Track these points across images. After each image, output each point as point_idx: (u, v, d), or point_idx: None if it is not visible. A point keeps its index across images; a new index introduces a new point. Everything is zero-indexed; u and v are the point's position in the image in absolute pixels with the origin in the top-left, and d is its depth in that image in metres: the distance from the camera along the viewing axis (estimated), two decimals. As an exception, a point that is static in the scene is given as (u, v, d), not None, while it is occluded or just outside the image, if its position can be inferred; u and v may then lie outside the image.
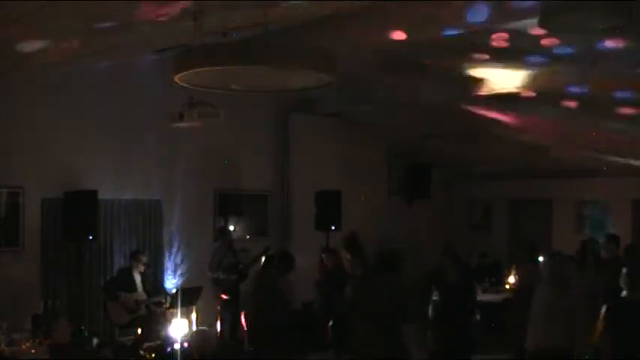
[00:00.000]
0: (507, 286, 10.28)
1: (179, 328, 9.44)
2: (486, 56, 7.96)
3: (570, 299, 6.11)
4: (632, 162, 10.46)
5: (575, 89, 8.49)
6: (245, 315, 8.10)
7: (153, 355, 8.86)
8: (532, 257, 8.31)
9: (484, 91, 9.06)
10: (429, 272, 7.97)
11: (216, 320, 9.89)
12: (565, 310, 6.01)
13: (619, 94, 8.38)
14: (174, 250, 10.38)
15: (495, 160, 12.17)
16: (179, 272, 10.40)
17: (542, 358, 6.04)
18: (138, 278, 9.17)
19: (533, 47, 7.35)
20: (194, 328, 9.66)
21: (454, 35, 7.23)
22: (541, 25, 5.17)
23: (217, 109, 7.64)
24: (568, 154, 10.86)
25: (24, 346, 7.42)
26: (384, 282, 6.39)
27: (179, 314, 9.56)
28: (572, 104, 8.98)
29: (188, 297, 9.49)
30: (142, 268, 9.20)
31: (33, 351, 7.37)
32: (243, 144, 11.09)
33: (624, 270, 5.76)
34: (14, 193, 8.90)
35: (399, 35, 7.43)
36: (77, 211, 8.67)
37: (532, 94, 8.85)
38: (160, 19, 6.10)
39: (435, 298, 7.31)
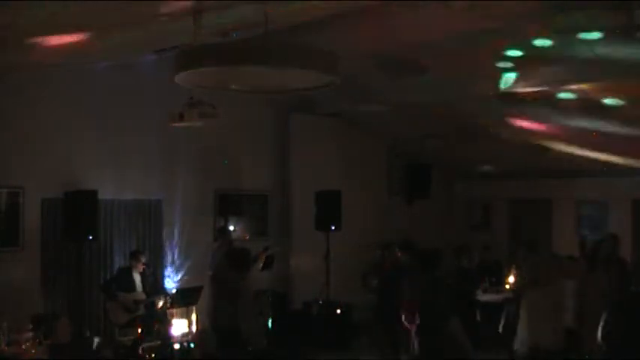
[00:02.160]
0: (507, 286, 10.28)
1: (179, 328, 9.46)
2: (487, 57, 7.96)
3: (556, 298, 6.14)
4: (632, 162, 10.46)
5: (574, 89, 8.49)
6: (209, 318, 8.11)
7: (153, 355, 8.86)
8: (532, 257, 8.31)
9: (485, 91, 9.06)
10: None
11: (216, 320, 9.89)
12: (551, 309, 6.03)
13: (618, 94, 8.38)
14: (174, 250, 10.38)
15: (495, 160, 12.17)
16: (179, 272, 10.40)
17: (532, 357, 6.08)
18: (137, 278, 9.18)
19: (533, 47, 7.36)
20: (194, 328, 9.66)
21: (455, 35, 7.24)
22: (541, 25, 5.18)
23: (217, 109, 7.63)
24: (568, 154, 10.86)
25: (24, 346, 7.41)
26: (429, 281, 6.51)
27: (179, 314, 9.58)
28: (572, 104, 8.98)
29: (188, 297, 9.50)
30: (141, 267, 9.21)
31: (33, 351, 7.37)
32: (243, 144, 11.09)
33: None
34: (14, 193, 8.90)
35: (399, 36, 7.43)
36: (77, 211, 8.68)
37: (532, 94, 8.84)
38: (160, 19, 6.10)
39: None
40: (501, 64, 8.21)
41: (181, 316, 9.58)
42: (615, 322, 6.03)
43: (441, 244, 12.79)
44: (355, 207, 11.46)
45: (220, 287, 7.82)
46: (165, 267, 10.29)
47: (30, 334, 7.71)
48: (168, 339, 9.17)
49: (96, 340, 8.67)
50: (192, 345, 9.40)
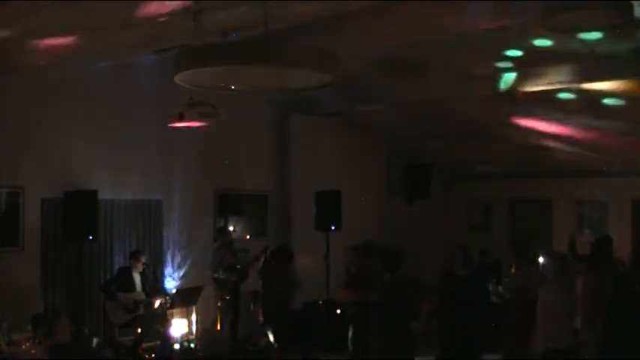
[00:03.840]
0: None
1: (179, 328, 9.46)
2: (487, 56, 7.97)
3: (575, 298, 6.14)
4: (632, 162, 10.47)
5: (574, 89, 8.50)
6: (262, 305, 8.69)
7: (153, 355, 8.87)
8: (523, 258, 8.28)
9: (484, 91, 9.06)
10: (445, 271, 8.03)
11: (216, 320, 9.89)
12: (570, 309, 6.03)
13: (618, 94, 8.38)
14: (174, 250, 10.38)
15: (495, 160, 12.17)
16: (179, 272, 10.40)
17: (550, 358, 6.07)
18: (137, 278, 9.19)
19: (532, 47, 7.36)
20: (194, 328, 9.67)
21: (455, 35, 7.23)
22: (541, 25, 5.17)
23: (217, 109, 7.64)
24: (568, 154, 10.86)
25: (24, 346, 7.42)
26: (389, 282, 6.47)
27: (179, 314, 9.59)
28: (572, 104, 8.98)
29: (188, 297, 9.50)
30: (141, 267, 9.21)
31: (33, 351, 7.37)
32: (243, 144, 11.09)
33: None
34: (14, 193, 8.91)
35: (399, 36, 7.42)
36: (77, 211, 8.67)
37: (532, 94, 8.85)
38: (160, 19, 6.10)
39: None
40: (501, 64, 8.22)
41: (181, 316, 9.59)
42: (613, 322, 6.05)
43: (440, 244, 12.88)
44: (355, 207, 11.46)
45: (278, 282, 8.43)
46: (165, 267, 10.29)
47: (30, 334, 7.71)
48: (168, 339, 9.17)
49: (96, 340, 8.68)
50: (192, 345, 9.41)
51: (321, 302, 10.68)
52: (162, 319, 9.25)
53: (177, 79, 5.37)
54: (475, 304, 7.13)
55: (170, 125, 7.73)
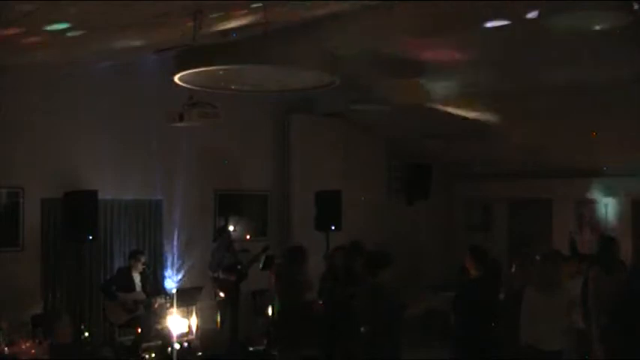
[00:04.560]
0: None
1: (179, 328, 9.45)
2: (486, 55, 7.96)
3: (560, 300, 6.12)
4: (632, 162, 10.46)
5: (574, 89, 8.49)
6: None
7: (153, 355, 8.87)
8: (523, 258, 8.28)
9: (484, 91, 9.06)
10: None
11: (216, 320, 9.89)
12: (553, 311, 6.00)
13: (618, 94, 8.37)
14: (174, 250, 10.38)
15: (495, 160, 12.17)
16: (179, 272, 10.40)
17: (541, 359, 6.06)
18: (137, 278, 9.19)
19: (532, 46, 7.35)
20: (194, 328, 9.66)
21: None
22: (541, 25, 5.18)
23: (217, 109, 7.63)
24: (568, 154, 10.86)
25: (24, 346, 7.42)
26: (369, 286, 6.42)
27: (179, 314, 9.58)
28: (572, 104, 8.98)
29: (188, 297, 9.49)
30: (141, 268, 9.21)
31: (33, 351, 7.37)
32: (243, 144, 11.09)
33: None
34: (14, 193, 8.91)
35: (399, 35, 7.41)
36: (77, 211, 8.67)
37: (531, 94, 8.85)
38: (159, 19, 6.09)
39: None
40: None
41: (181, 316, 9.58)
42: (615, 323, 6.05)
43: (440, 244, 12.88)
44: (355, 207, 11.46)
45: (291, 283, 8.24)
46: (166, 267, 10.30)
47: (30, 334, 7.71)
48: (168, 339, 9.17)
49: (96, 340, 8.68)
50: (192, 345, 9.41)
51: (320, 302, 10.67)
52: (162, 319, 9.25)
53: (177, 79, 5.38)
54: (490, 305, 7.11)
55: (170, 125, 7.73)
